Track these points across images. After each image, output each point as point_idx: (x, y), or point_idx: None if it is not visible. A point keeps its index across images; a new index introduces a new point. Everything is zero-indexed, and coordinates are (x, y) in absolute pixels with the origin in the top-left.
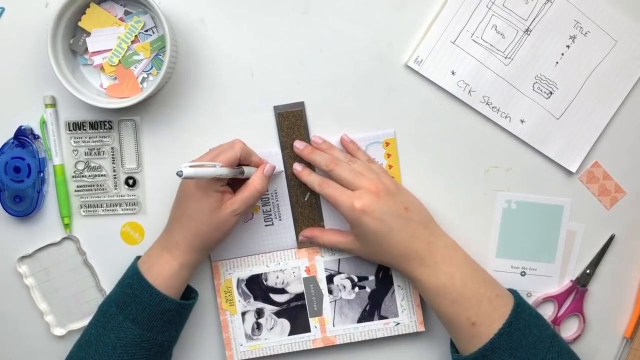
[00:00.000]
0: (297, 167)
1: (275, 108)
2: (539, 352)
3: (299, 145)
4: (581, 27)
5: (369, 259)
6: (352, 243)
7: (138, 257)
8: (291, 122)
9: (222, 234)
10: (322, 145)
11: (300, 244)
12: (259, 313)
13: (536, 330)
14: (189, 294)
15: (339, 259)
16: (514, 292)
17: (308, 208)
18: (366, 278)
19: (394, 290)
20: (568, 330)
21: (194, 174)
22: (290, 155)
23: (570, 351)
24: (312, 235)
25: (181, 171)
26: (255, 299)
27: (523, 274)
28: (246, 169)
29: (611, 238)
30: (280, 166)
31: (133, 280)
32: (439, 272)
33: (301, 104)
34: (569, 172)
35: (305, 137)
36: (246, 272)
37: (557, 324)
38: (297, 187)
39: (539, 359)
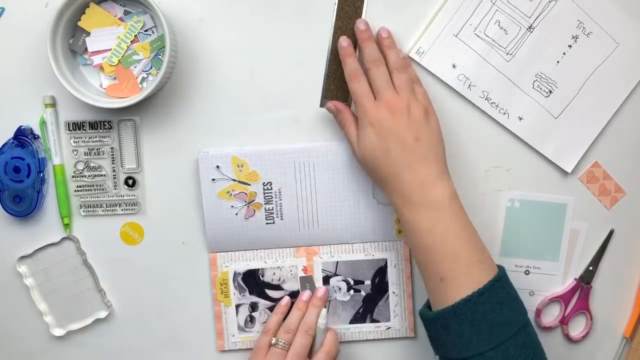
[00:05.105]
0: (343, 42)
1: None
2: (502, 335)
3: (362, 25)
4: (584, 28)
5: (363, 170)
6: (356, 143)
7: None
8: None
9: None
10: (385, 41)
11: (322, 104)
12: (253, 307)
13: (508, 311)
14: None
15: (337, 262)
16: (500, 268)
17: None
18: (362, 282)
19: (388, 296)
20: (576, 329)
21: None
22: (343, 18)
23: (536, 347)
24: (338, 108)
25: None
26: (251, 293)
27: (527, 272)
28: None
29: (611, 233)
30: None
31: None
32: (421, 216)
33: None
34: (568, 172)
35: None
36: (243, 266)
37: (565, 323)
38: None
39: (499, 340)
